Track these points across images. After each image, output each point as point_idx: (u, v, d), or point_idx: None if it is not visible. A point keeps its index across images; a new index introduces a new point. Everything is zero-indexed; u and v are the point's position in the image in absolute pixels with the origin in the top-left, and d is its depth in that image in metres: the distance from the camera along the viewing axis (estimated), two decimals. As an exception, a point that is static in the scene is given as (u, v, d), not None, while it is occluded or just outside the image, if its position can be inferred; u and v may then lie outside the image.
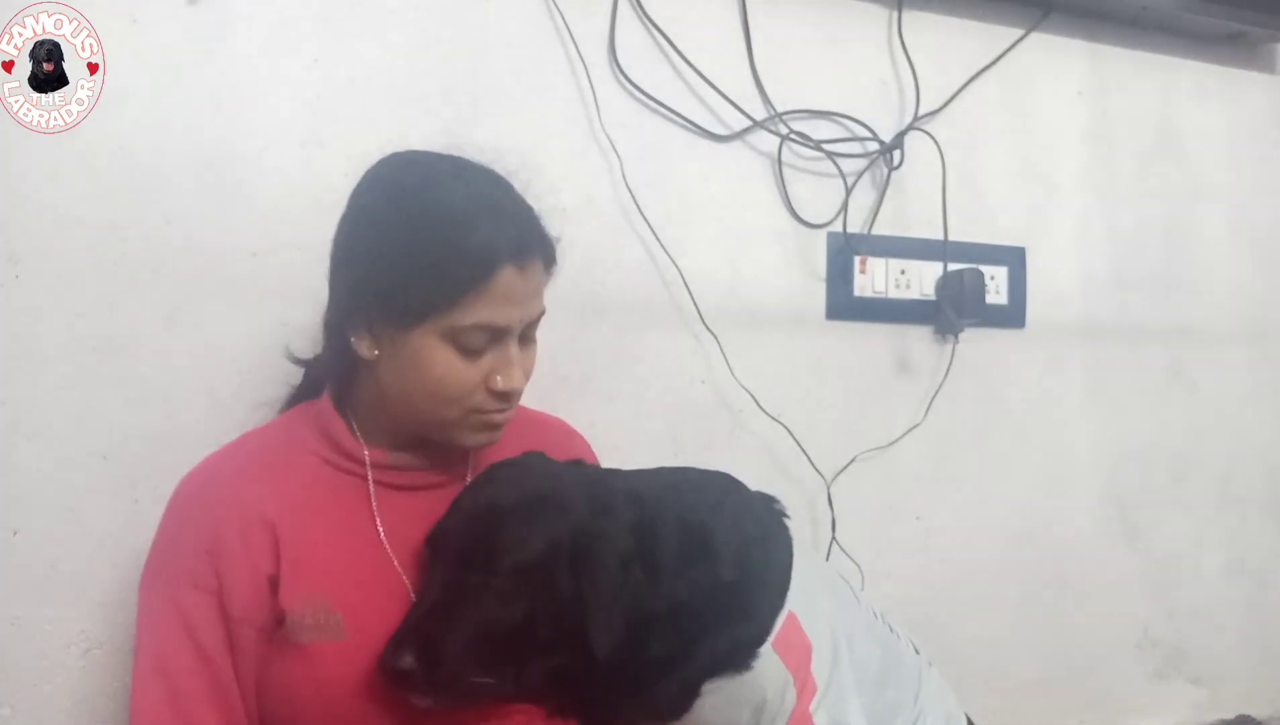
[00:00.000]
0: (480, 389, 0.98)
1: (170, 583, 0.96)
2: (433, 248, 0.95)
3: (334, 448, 1.03)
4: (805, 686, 0.97)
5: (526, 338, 1.02)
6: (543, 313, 1.03)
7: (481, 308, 0.95)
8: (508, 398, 1.00)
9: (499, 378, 0.98)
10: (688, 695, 0.97)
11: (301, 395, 1.12)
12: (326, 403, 1.05)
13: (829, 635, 1.02)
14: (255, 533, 0.96)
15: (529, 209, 1.02)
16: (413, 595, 0.98)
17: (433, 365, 0.96)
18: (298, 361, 1.13)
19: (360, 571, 0.99)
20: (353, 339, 0.99)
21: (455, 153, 1.04)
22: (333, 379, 1.07)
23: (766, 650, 0.96)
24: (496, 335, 0.97)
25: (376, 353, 0.99)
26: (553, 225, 1.04)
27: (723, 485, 1.08)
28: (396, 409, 1.01)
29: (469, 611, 0.92)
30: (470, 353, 0.96)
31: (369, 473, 1.02)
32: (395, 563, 1.00)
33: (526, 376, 1.02)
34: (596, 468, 1.11)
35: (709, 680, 0.96)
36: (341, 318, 1.00)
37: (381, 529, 1.01)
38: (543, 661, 0.94)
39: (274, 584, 0.96)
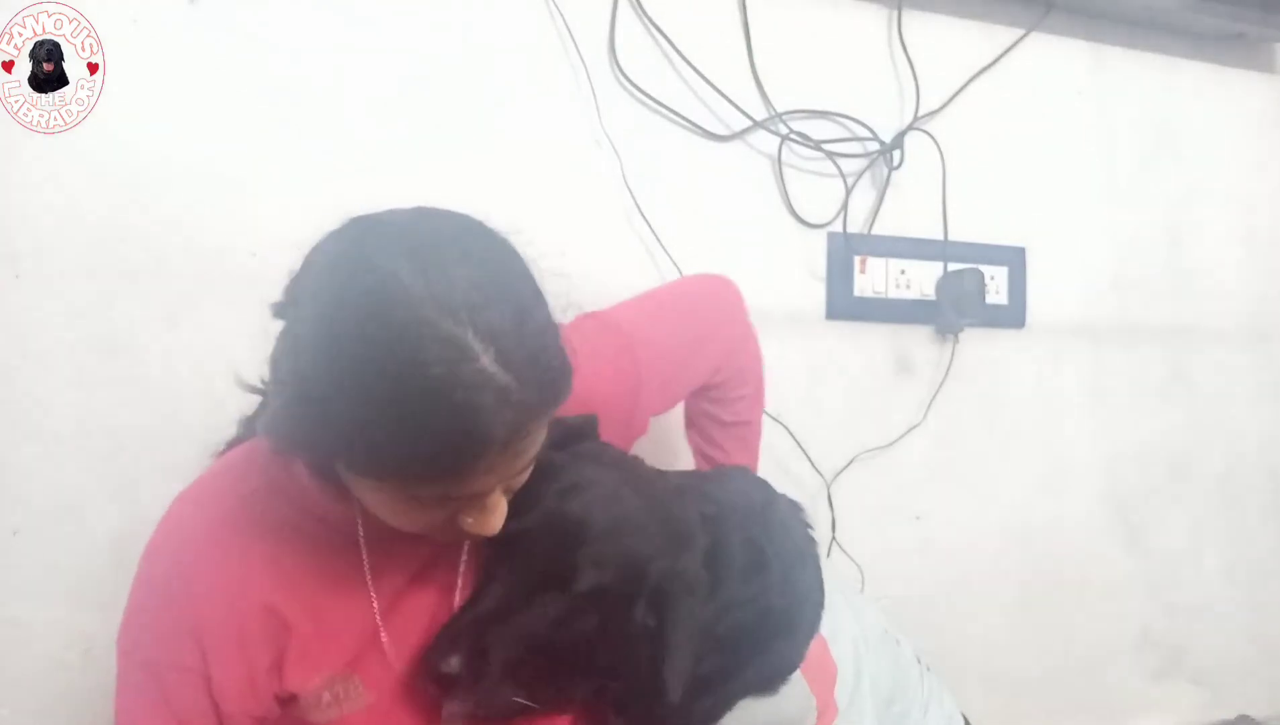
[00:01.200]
0: (450, 523, 0.81)
1: (149, 663, 0.85)
2: (388, 428, 0.71)
3: (318, 516, 0.87)
4: (826, 711, 0.98)
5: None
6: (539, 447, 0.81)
7: (448, 486, 0.76)
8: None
9: (471, 522, 0.81)
10: (716, 716, 0.95)
11: (253, 426, 0.94)
12: (300, 466, 0.85)
13: (852, 656, 1.02)
14: (253, 623, 0.84)
15: (540, 356, 0.74)
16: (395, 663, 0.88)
17: (386, 507, 0.80)
18: (252, 389, 0.95)
19: (366, 627, 0.88)
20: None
21: (462, 210, 0.80)
22: None
23: (796, 676, 0.96)
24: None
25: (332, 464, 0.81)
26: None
27: (765, 497, 1.06)
28: None
29: (529, 624, 0.86)
30: (434, 505, 0.79)
31: (363, 549, 0.88)
32: (383, 634, 0.88)
33: (511, 494, 0.84)
34: (670, 477, 1.03)
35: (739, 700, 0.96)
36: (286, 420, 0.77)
37: (374, 595, 0.88)
38: (587, 682, 0.91)
39: (276, 667, 0.85)
